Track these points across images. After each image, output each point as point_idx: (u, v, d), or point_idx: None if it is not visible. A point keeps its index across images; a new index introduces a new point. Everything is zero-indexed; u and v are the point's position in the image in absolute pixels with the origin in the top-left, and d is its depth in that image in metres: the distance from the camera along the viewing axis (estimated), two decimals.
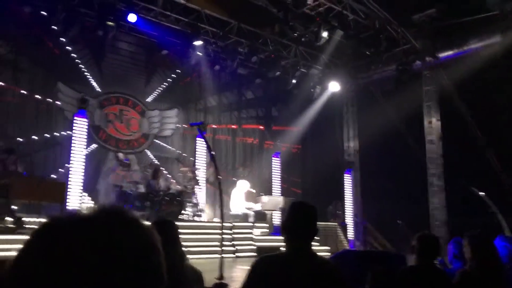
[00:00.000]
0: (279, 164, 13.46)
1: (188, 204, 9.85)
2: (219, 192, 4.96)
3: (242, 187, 10.63)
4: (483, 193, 8.41)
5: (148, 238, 0.68)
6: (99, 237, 0.63)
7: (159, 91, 12.58)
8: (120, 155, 9.88)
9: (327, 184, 13.54)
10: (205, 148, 11.06)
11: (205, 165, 11.96)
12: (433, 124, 12.78)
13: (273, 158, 13.44)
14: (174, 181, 10.90)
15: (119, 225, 0.66)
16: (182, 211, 9.40)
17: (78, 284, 0.58)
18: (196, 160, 11.41)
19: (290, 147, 14.68)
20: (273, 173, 13.37)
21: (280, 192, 13.12)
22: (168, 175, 11.46)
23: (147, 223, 0.89)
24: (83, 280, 0.58)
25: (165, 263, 0.70)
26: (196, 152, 11.80)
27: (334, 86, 13.77)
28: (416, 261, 2.62)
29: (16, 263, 0.61)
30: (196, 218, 9.73)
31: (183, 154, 12.84)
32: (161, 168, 10.92)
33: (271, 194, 12.26)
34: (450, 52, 12.15)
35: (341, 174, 13.97)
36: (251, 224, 9.95)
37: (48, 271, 0.58)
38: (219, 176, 5.56)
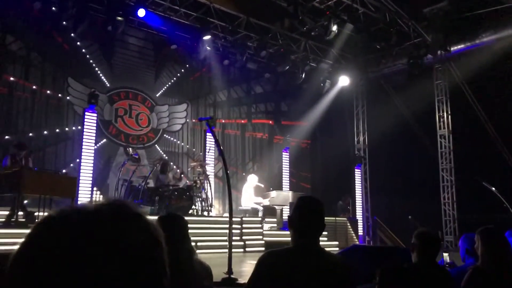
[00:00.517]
0: (289, 159, 13.45)
1: (197, 199, 9.88)
2: (227, 187, 4.97)
3: (251, 181, 10.64)
4: (494, 188, 8.32)
5: (151, 233, 0.68)
6: (101, 230, 0.62)
7: (168, 86, 12.60)
8: (130, 150, 9.94)
9: (337, 179, 13.52)
10: (214, 143, 11.09)
11: (214, 159, 11.99)
12: (444, 118, 12.66)
13: (282, 153, 13.42)
14: (184, 175, 10.93)
15: (121, 219, 0.65)
16: (192, 206, 9.42)
17: (78, 277, 0.58)
18: (206, 155, 11.45)
19: (299, 142, 14.64)
20: (282, 168, 13.35)
21: (289, 187, 13.12)
22: (177, 170, 11.50)
23: (153, 217, 0.89)
24: (84, 273, 0.58)
25: (168, 259, 0.69)
26: (206, 147, 11.83)
27: (344, 81, 13.69)
28: (416, 259, 2.59)
29: (17, 256, 0.61)
30: (205, 213, 9.75)
31: (193, 149, 12.87)
32: (170, 162, 10.96)
33: (281, 189, 12.25)
34: (461, 46, 12.00)
35: (351, 169, 13.91)
36: (260, 219, 9.96)
37: (48, 264, 0.58)
38: (227, 171, 5.56)
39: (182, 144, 12.76)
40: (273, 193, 10.54)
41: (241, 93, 14.15)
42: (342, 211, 12.70)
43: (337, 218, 11.49)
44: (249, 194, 10.53)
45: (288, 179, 13.37)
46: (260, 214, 10.32)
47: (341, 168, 13.67)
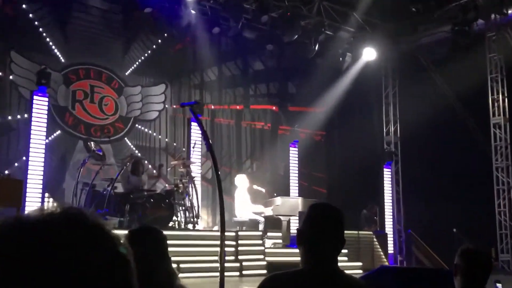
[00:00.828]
0: (298, 155, 13.47)
1: (180, 207, 9.92)
2: (218, 192, 4.99)
3: (240, 183, 10.70)
4: None
5: (116, 250, 0.68)
6: (47, 246, 0.63)
7: (141, 61, 12.61)
8: (92, 144, 9.95)
9: (360, 182, 13.54)
10: (201, 136, 11.11)
11: (202, 157, 12.02)
12: (499, 102, 12.65)
13: (289, 148, 13.44)
14: (162, 178, 10.95)
15: (76, 232, 0.66)
16: (173, 217, 9.46)
17: None
18: (191, 151, 11.46)
19: (311, 134, 14.67)
20: (289, 167, 13.39)
21: (298, 192, 13.15)
22: (153, 171, 11.51)
23: (121, 232, 0.89)
24: None
25: (139, 285, 0.69)
26: (191, 141, 11.85)
27: (369, 54, 13.67)
28: (460, 285, 2.57)
29: None
30: (190, 226, 9.79)
31: (173, 144, 12.87)
32: (144, 161, 10.97)
33: (288, 195, 12.29)
34: None
35: (379, 168, 13.94)
36: (260, 233, 10.00)
37: None
38: (218, 172, 5.57)
39: (160, 137, 12.78)
40: (278, 200, 10.56)
41: (236, 70, 14.14)
42: (367, 223, 12.74)
43: (360, 232, 11.51)
44: (245, 201, 10.55)
45: (297, 181, 13.40)
46: (261, 227, 10.34)
47: (366, 168, 13.69)
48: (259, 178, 11.34)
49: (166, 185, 11.13)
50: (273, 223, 10.79)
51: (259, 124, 14.57)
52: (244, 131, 14.22)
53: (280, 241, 10.49)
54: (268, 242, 10.18)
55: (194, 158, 11.17)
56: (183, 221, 9.84)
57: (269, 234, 10.40)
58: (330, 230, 2.11)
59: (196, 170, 11.56)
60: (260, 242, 9.82)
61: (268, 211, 10.55)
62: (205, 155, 12.07)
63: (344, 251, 9.70)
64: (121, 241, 0.71)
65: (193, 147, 11.15)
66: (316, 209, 2.19)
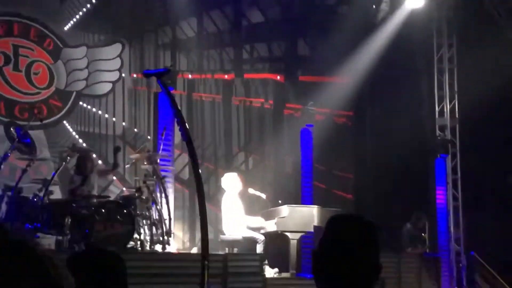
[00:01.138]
0: (312, 146, 13.48)
1: (144, 221, 9.94)
2: (199, 199, 4.98)
3: (230, 186, 10.71)
4: None
5: (47, 279, 0.70)
6: None
7: (86, 11, 12.58)
8: (14, 131, 9.91)
9: (402, 184, 13.54)
10: (174, 118, 11.08)
11: (174, 149, 12.00)
12: None
13: (300, 135, 13.43)
14: (114, 173, 10.97)
15: None
16: (134, 235, 9.47)
17: None
18: (159, 141, 11.43)
19: (332, 115, 14.71)
20: (301, 162, 13.40)
21: (312, 198, 13.16)
22: (106, 168, 11.49)
23: (60, 256, 0.87)
24: None
25: None
26: (159, 125, 11.83)
27: (415, 0, 13.61)
28: None
29: None
30: (158, 248, 9.83)
31: (134, 130, 12.85)
32: (93, 154, 10.94)
33: (298, 203, 12.31)
34: None
35: (429, 165, 13.93)
36: (259, 257, 10.01)
37: None
38: (198, 170, 5.57)
39: (114, 119, 12.83)
40: (284, 210, 10.55)
41: (224, 23, 14.15)
42: (412, 242, 12.75)
43: (402, 256, 11.55)
44: (237, 212, 10.55)
45: (310, 184, 13.41)
46: (260, 248, 10.34)
47: (410, 164, 13.68)
48: (257, 179, 11.33)
49: (124, 188, 11.11)
50: (277, 242, 10.78)
51: (256, 101, 14.57)
52: (235, 111, 14.25)
53: (288, 273, 10.50)
54: (270, 271, 10.16)
55: (164, 151, 11.15)
56: (149, 241, 9.84)
57: (271, 258, 10.42)
58: (359, 252, 2.14)
59: (166, 167, 11.57)
60: (257, 269, 9.83)
61: (271, 226, 10.54)
62: (180, 146, 12.04)
63: (378, 281, 9.71)
64: (60, 269, 0.74)
65: (163, 135, 11.10)
66: (339, 223, 2.23)
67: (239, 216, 10.58)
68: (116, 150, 10.68)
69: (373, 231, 2.18)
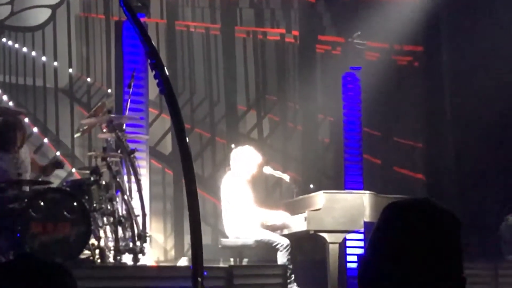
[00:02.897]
0: (360, 100, 13.47)
1: (104, 218, 9.99)
2: (186, 183, 4.99)
3: (242, 166, 10.76)
4: None
5: None
6: None
7: None
8: None
9: (501, 158, 13.50)
10: (148, 61, 11.04)
11: (148, 108, 11.95)
12: None
13: (343, 82, 13.39)
14: (60, 154, 10.95)
15: None
16: (89, 239, 9.48)
17: None
18: (126, 97, 11.41)
19: (390, 52, 14.75)
20: (344, 126, 13.38)
21: (361, 180, 13.15)
22: (45, 140, 11.50)
23: None
24: None
25: None
26: (124, 73, 11.80)
27: None
28: None
29: None
30: (127, 259, 9.86)
31: (86, 79, 12.84)
32: (24, 119, 10.93)
33: (340, 188, 12.33)
34: None
35: None
36: (280, 271, 10.02)
37: None
38: (186, 141, 5.57)
39: (56, 64, 12.93)
40: (319, 199, 10.56)
41: None
42: None
43: (501, 266, 11.53)
44: (246, 203, 10.56)
45: (359, 158, 13.41)
46: (282, 257, 10.37)
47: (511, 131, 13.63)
48: (276, 152, 11.32)
49: (73, 170, 11.13)
50: (308, 248, 10.81)
51: (273, 33, 14.54)
52: (241, 49, 14.33)
53: None
54: None
55: (132, 111, 11.12)
56: (113, 248, 9.89)
57: (299, 272, 10.44)
58: (434, 259, 2.15)
59: (137, 136, 11.58)
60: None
61: (298, 223, 10.57)
62: (157, 104, 12.04)
63: None
64: None
65: (130, 87, 11.06)
66: (404, 214, 2.24)
67: (250, 209, 10.58)
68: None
69: (457, 227, 2.16)
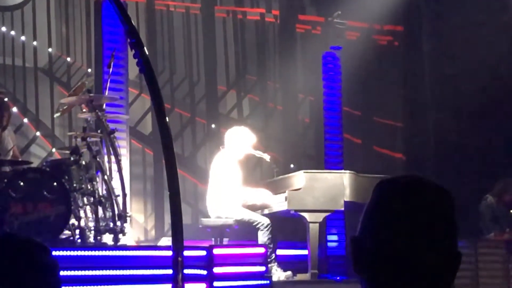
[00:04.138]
0: (340, 79, 13.47)
1: (85, 199, 9.99)
2: (166, 162, 4.98)
3: (237, 146, 10.79)
4: None
5: None
6: None
7: None
8: None
9: (480, 136, 13.52)
10: (127, 41, 11.00)
11: (126, 87, 11.90)
12: None
13: (323, 62, 13.37)
14: (40, 134, 10.91)
15: None
16: (69, 219, 9.46)
17: None
18: (105, 75, 11.36)
19: (370, 31, 14.77)
20: (324, 105, 13.38)
21: (341, 160, 13.16)
22: (24, 120, 11.45)
23: None
24: None
25: None
26: (103, 52, 11.75)
27: None
28: None
29: None
30: (107, 238, 9.87)
31: (65, 59, 12.78)
32: (4, 99, 10.88)
33: (321, 167, 12.35)
34: None
35: None
36: (263, 250, 10.01)
37: None
38: (166, 120, 5.55)
39: (35, 43, 12.91)
40: (299, 179, 10.55)
41: None
42: (497, 224, 12.77)
43: (481, 244, 11.54)
44: (227, 182, 10.55)
45: (339, 138, 13.40)
46: (263, 236, 10.37)
47: (493, 105, 13.65)
48: (256, 131, 11.27)
49: (53, 150, 11.09)
50: (288, 228, 10.79)
51: (253, 13, 14.52)
52: (221, 28, 14.32)
53: (307, 274, 10.53)
54: (279, 273, 10.27)
55: (112, 91, 11.08)
56: (93, 228, 9.89)
57: (281, 252, 10.46)
58: (430, 235, 2.13)
59: (117, 116, 11.58)
60: (262, 268, 9.87)
61: (279, 203, 10.56)
62: (137, 84, 12.00)
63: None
64: None
65: (110, 66, 11.01)
66: (396, 191, 2.19)
67: (231, 188, 10.57)
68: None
69: (451, 202, 2.16)
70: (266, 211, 10.54)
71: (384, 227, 2.11)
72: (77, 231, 9.67)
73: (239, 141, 10.77)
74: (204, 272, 9.28)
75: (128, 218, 10.35)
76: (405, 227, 2.09)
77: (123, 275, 8.96)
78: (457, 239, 2.14)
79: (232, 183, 10.56)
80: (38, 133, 11.66)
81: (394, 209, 2.12)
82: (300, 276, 10.43)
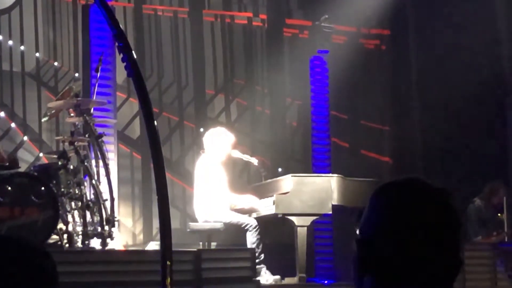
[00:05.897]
0: (327, 83, 13.47)
1: (73, 203, 9.99)
2: (155, 166, 4.97)
3: (215, 147, 10.77)
4: None
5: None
6: None
7: None
8: None
9: (467, 139, 13.54)
10: (116, 44, 10.98)
11: (113, 92, 11.88)
12: None
13: (310, 66, 13.38)
14: (27, 138, 10.88)
15: None
16: (57, 224, 9.44)
17: None
18: (92, 79, 11.34)
19: (358, 35, 14.76)
20: (312, 109, 13.37)
21: (328, 163, 13.16)
22: (12, 124, 11.43)
23: None
24: None
25: None
26: (91, 56, 11.74)
27: None
28: None
29: None
30: (95, 243, 9.87)
31: (52, 63, 12.74)
32: None
33: (308, 171, 12.35)
34: None
35: (507, 111, 13.90)
36: (249, 254, 10.01)
37: None
38: (154, 124, 5.54)
39: (22, 48, 12.81)
40: (287, 182, 10.56)
41: None
42: (484, 227, 12.78)
43: (469, 247, 11.56)
44: (215, 186, 10.54)
45: (326, 141, 13.41)
46: (252, 238, 10.37)
47: (478, 110, 13.66)
48: (244, 135, 11.27)
49: (41, 154, 11.07)
50: (276, 232, 10.79)
51: (241, 17, 14.52)
52: (209, 33, 14.29)
53: (295, 278, 10.52)
54: (268, 276, 10.27)
55: (100, 95, 11.06)
56: (81, 233, 9.87)
57: (268, 256, 10.45)
58: (441, 238, 2.18)
59: (105, 120, 11.55)
60: (248, 273, 9.85)
61: (266, 207, 10.55)
62: (125, 88, 11.99)
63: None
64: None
65: (98, 71, 11.00)
66: (400, 193, 2.22)
67: (219, 192, 10.56)
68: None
69: (454, 204, 2.22)
70: (254, 215, 10.53)
71: (389, 230, 2.12)
72: (65, 236, 9.65)
73: (218, 143, 10.75)
74: (193, 277, 9.27)
75: (116, 223, 10.33)
76: (408, 230, 2.10)
77: (111, 281, 8.95)
78: (460, 241, 2.20)
79: (218, 187, 10.54)
80: (25, 138, 11.63)
81: (397, 212, 2.14)
82: (288, 280, 10.43)
